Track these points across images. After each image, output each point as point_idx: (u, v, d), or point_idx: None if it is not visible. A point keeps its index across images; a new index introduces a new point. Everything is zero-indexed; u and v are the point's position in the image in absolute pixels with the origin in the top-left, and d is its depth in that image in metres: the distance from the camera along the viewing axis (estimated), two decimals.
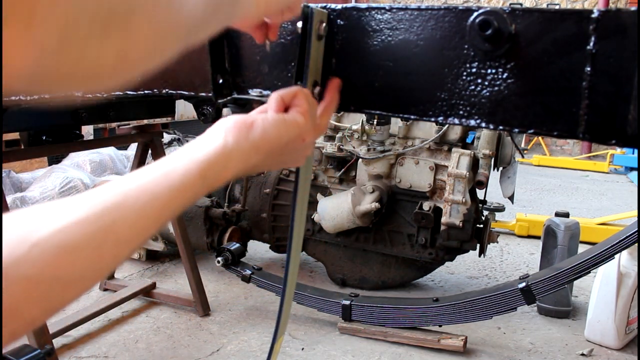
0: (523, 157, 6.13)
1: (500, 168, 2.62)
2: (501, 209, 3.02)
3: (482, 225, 2.42)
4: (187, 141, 1.41)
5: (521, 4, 0.78)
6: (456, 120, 0.69)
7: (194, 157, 0.54)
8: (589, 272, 1.84)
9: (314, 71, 0.72)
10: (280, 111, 0.65)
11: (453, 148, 2.36)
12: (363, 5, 0.74)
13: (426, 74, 0.70)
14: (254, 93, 0.82)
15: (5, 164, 2.84)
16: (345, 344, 2.09)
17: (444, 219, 2.32)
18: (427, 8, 0.68)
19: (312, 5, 0.70)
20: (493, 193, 3.00)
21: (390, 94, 0.73)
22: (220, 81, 0.85)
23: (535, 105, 0.64)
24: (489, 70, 0.65)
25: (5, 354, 1.37)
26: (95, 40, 0.37)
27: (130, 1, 0.39)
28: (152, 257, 2.91)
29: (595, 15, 0.58)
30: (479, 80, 0.66)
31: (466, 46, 0.66)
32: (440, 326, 2.07)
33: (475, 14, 0.64)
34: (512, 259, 3.15)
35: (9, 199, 3.05)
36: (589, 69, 0.59)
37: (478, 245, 2.39)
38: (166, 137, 3.52)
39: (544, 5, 0.66)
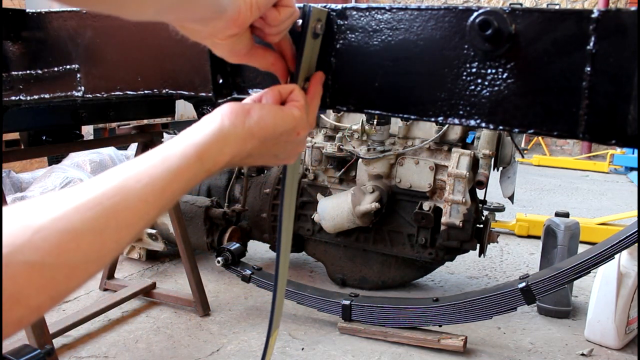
0: (523, 157, 6.13)
1: (500, 168, 2.62)
2: (501, 209, 3.02)
3: (482, 225, 2.42)
4: None
5: (521, 4, 0.78)
6: (456, 120, 0.69)
7: (191, 141, 0.54)
8: (589, 272, 1.84)
9: (306, 68, 0.72)
10: (276, 103, 0.66)
11: (453, 148, 2.36)
12: (363, 5, 0.74)
13: (426, 74, 0.70)
14: (254, 93, 0.82)
15: (5, 164, 2.84)
16: (345, 344, 2.09)
17: (444, 219, 2.32)
18: (427, 8, 0.68)
19: (311, 4, 0.70)
20: (493, 193, 3.00)
21: (390, 94, 0.73)
22: (220, 81, 0.85)
23: (535, 105, 0.64)
24: (489, 70, 0.65)
25: (5, 354, 1.36)
26: None
27: None
28: (152, 257, 2.91)
29: (595, 15, 0.58)
30: (479, 80, 0.66)
31: (466, 46, 0.66)
32: (440, 326, 2.07)
33: (475, 14, 0.64)
34: (512, 259, 3.15)
35: (9, 199, 3.05)
36: (589, 69, 0.59)
37: (478, 245, 2.39)
38: (166, 137, 3.52)
39: (544, 5, 0.66)
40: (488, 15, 0.62)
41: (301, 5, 0.71)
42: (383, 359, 2.00)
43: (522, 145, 7.27)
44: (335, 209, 2.39)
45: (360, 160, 2.50)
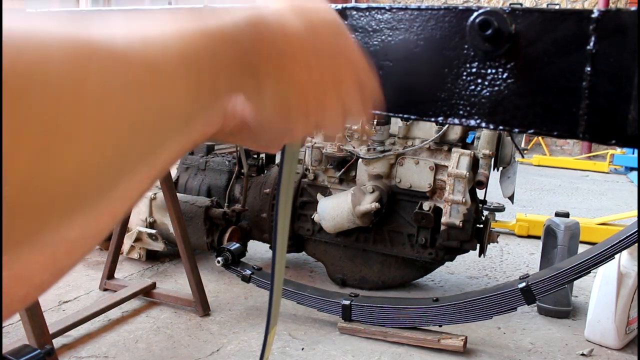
0: (523, 157, 6.13)
1: (500, 168, 2.62)
2: (501, 209, 3.03)
3: (482, 225, 2.42)
4: None
5: (521, 4, 0.78)
6: (456, 120, 0.69)
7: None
8: (589, 272, 1.85)
9: None
10: None
11: (453, 148, 2.37)
12: (363, 5, 0.74)
13: (426, 74, 0.70)
14: None
15: None
16: (345, 344, 2.09)
17: (444, 219, 2.32)
18: (427, 8, 0.68)
19: None
20: (493, 193, 3.00)
21: (390, 94, 0.73)
22: None
23: (535, 105, 0.64)
24: (489, 70, 0.65)
25: (5, 354, 1.37)
26: None
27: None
28: (152, 257, 2.91)
29: (595, 15, 0.58)
30: (479, 80, 0.66)
31: (466, 46, 0.66)
32: (440, 326, 2.07)
33: (475, 14, 0.64)
34: (512, 259, 3.15)
35: None
36: (589, 69, 0.59)
37: (478, 245, 2.39)
38: None
39: (544, 5, 0.66)
40: (488, 15, 0.62)
41: None
42: (383, 359, 2.00)
43: (522, 145, 7.27)
44: (335, 209, 2.39)
45: (360, 160, 2.50)
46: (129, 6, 0.90)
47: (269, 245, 2.80)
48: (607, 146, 4.02)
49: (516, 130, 0.65)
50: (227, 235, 2.60)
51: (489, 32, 0.62)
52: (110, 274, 2.50)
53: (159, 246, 2.72)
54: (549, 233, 2.41)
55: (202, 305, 2.29)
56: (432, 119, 0.71)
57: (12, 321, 2.07)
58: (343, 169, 2.56)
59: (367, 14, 0.73)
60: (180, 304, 2.34)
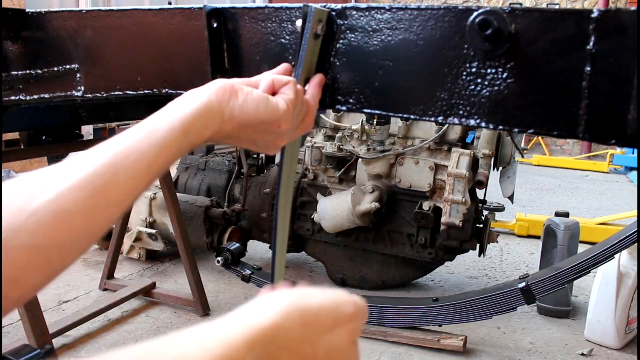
0: (523, 157, 6.13)
1: (500, 168, 2.62)
2: (501, 209, 3.02)
3: (482, 225, 2.42)
4: None
5: (521, 4, 0.78)
6: (456, 120, 0.69)
7: (178, 115, 0.54)
8: (589, 272, 1.84)
9: (307, 69, 0.72)
10: (267, 93, 0.65)
11: (453, 148, 2.36)
12: (363, 5, 0.74)
13: (426, 74, 0.70)
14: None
15: (5, 164, 2.84)
16: None
17: (444, 219, 2.32)
18: (427, 8, 0.68)
19: (313, 4, 0.70)
20: (493, 193, 3.00)
21: (390, 94, 0.73)
22: None
23: (535, 105, 0.64)
24: (489, 70, 0.65)
25: (5, 354, 1.37)
26: None
27: None
28: (152, 257, 2.91)
29: (595, 15, 0.58)
30: (479, 80, 0.66)
31: (466, 46, 0.66)
32: (440, 326, 2.07)
33: (475, 14, 0.64)
34: (512, 259, 3.15)
35: None
36: (589, 69, 0.59)
37: (478, 245, 2.39)
38: None
39: (544, 5, 0.66)
40: (488, 15, 0.62)
41: (302, 5, 0.71)
42: (383, 359, 2.00)
43: (522, 145, 7.27)
44: (335, 209, 2.39)
45: (360, 160, 2.50)
46: (129, 6, 0.90)
47: (269, 245, 2.80)
48: (607, 146, 4.02)
49: (516, 130, 0.66)
50: (227, 235, 2.60)
51: (489, 32, 0.62)
52: (110, 274, 2.50)
53: (159, 246, 2.72)
54: (549, 233, 2.41)
55: (202, 305, 2.29)
56: (432, 119, 0.71)
57: (12, 321, 2.07)
58: (343, 169, 2.56)
59: (367, 14, 0.73)
60: (180, 304, 2.34)
